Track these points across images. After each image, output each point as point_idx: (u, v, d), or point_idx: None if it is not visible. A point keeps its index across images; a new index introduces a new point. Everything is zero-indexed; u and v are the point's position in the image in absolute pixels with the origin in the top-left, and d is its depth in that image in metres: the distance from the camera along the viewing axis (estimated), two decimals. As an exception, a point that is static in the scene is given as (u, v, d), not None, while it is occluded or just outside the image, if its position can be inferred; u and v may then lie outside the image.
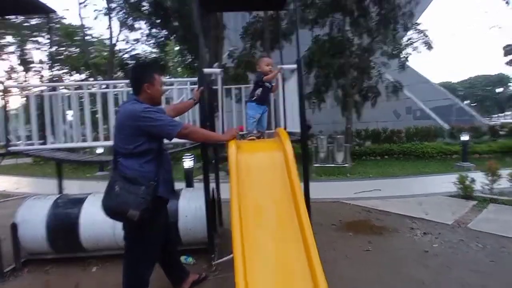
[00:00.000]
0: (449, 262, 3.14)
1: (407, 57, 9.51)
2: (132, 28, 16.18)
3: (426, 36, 9.70)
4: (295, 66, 3.12)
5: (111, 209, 1.94)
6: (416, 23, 9.80)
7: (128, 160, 2.01)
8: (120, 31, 15.28)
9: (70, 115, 3.49)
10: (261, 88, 3.02)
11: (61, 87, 3.84)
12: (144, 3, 14.93)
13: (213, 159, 3.91)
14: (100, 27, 58.99)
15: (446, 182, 7.00)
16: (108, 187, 1.97)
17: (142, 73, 2.20)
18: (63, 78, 19.10)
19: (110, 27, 14.12)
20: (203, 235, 3.15)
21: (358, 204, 5.36)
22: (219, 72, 3.20)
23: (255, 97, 3.03)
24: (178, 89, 3.65)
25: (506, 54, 33.85)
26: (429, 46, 9.79)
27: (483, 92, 54.30)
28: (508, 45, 32.79)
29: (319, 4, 11.11)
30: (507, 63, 34.26)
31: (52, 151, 3.76)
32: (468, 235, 3.82)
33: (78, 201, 3.29)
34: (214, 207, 3.76)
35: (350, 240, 3.84)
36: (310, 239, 1.82)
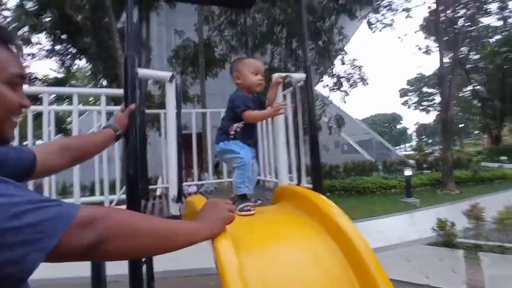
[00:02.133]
0: None
1: (348, 91, 9.43)
2: (26, 41, 13.14)
3: (362, 72, 9.85)
4: (303, 75, 1.86)
5: None
6: (354, 58, 9.93)
7: None
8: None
9: None
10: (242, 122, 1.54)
11: None
12: (46, 15, 12.32)
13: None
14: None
15: (409, 224, 6.55)
16: None
17: None
18: None
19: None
20: None
21: (339, 267, 4.16)
22: (169, 78, 1.69)
23: (232, 134, 1.55)
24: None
25: (401, 96, 40.07)
26: (364, 81, 9.93)
27: (381, 128, 62.86)
28: (403, 89, 38.91)
29: (255, 33, 10.56)
30: (402, 104, 40.51)
31: None
32: (501, 311, 2.91)
33: None
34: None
35: None
36: None
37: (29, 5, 12.52)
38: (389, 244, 5.08)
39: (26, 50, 13.89)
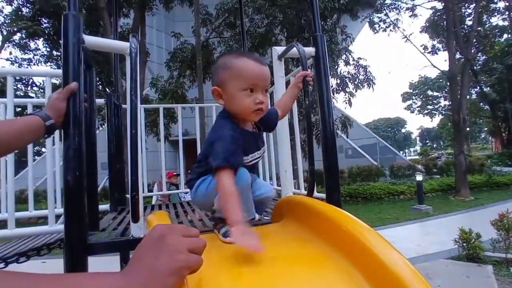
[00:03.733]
0: None
1: (353, 92, 8.95)
2: (23, 47, 12.87)
3: (368, 73, 9.37)
4: (311, 49, 1.39)
5: None
6: (359, 57, 9.45)
7: None
8: (3, 47, 11.82)
9: None
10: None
11: None
12: (43, 19, 12.03)
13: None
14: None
15: (424, 235, 6.00)
16: None
17: None
18: None
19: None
20: None
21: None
22: (128, 51, 1.21)
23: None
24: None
25: (404, 100, 39.56)
26: (370, 82, 9.44)
27: (384, 132, 62.32)
28: (405, 93, 38.41)
29: (254, 34, 10.20)
30: (405, 108, 40.00)
31: None
32: None
33: None
34: None
35: None
36: None
37: (25, 10, 12.30)
38: (406, 257, 4.55)
39: (23, 55, 13.64)
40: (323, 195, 1.39)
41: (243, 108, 0.90)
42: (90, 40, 1.19)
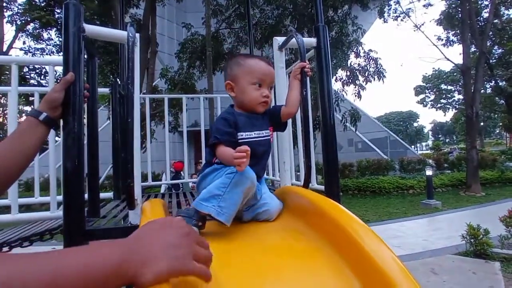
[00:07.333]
0: None
1: (363, 85, 8.79)
2: (36, 37, 13.08)
3: (378, 65, 9.17)
4: (313, 40, 1.36)
5: None
6: (370, 49, 9.25)
7: None
8: (17, 37, 12.04)
9: None
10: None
11: None
12: (56, 9, 12.15)
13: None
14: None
15: (432, 230, 5.93)
16: None
17: None
18: None
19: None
20: None
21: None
22: (127, 38, 1.21)
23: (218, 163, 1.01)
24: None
25: (417, 94, 38.68)
26: (380, 75, 9.25)
27: (396, 126, 61.10)
28: (418, 86, 37.52)
29: (264, 25, 10.09)
30: (418, 102, 39.14)
31: None
32: None
33: None
34: None
35: None
36: None
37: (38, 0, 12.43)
38: (411, 252, 4.52)
39: (36, 45, 13.87)
40: (322, 187, 1.39)
41: (251, 99, 1.02)
42: (91, 29, 1.20)
